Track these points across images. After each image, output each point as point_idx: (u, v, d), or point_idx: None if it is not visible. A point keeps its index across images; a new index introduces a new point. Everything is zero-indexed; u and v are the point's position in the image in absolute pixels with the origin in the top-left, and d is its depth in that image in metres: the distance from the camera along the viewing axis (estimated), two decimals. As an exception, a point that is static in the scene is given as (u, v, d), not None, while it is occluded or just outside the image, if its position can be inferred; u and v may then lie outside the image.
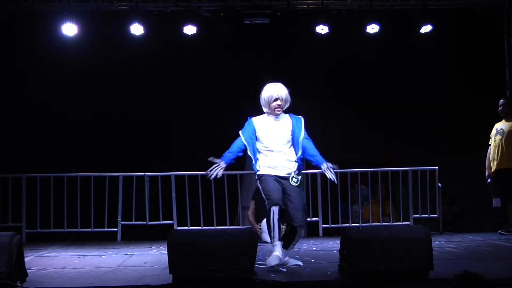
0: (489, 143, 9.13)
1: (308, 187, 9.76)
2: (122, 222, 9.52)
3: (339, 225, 9.79)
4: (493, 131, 8.99)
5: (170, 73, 10.75)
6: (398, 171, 9.85)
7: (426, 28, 10.36)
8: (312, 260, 6.55)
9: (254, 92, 11.98)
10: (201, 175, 9.54)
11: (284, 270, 5.88)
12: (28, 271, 5.43)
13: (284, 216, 5.99)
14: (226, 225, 9.53)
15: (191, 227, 9.40)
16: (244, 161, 11.01)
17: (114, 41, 10.53)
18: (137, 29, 10.21)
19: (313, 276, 5.44)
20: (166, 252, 5.29)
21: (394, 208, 10.33)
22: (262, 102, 6.12)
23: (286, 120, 6.13)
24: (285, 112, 6.22)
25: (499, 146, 8.87)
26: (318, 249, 7.72)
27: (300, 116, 6.21)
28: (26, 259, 5.59)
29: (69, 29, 10.08)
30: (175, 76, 10.76)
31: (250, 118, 6.22)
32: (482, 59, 10.92)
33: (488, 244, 7.90)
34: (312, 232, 9.98)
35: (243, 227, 9.29)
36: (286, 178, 5.98)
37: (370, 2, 10.37)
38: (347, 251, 5.22)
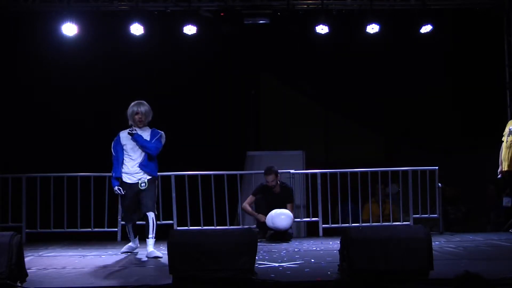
0: (502, 139, 9.00)
1: (308, 187, 9.77)
2: (122, 222, 9.50)
3: (339, 225, 9.78)
4: (506, 130, 8.86)
5: (170, 73, 10.75)
6: (398, 171, 9.85)
7: (426, 28, 10.36)
8: (312, 260, 6.54)
9: (254, 92, 12.13)
10: (201, 175, 9.58)
11: (283, 269, 5.89)
12: (28, 271, 5.42)
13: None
14: (226, 225, 9.53)
15: (191, 227, 9.40)
16: (244, 161, 11.11)
17: (114, 41, 10.54)
18: (137, 29, 10.21)
19: (313, 276, 5.43)
20: (166, 252, 5.29)
21: (396, 209, 10.32)
22: (128, 116, 7.31)
23: (146, 133, 7.30)
24: (151, 127, 7.36)
25: (510, 148, 8.80)
26: (318, 249, 7.72)
27: (160, 132, 7.35)
28: (26, 259, 5.58)
29: (69, 29, 10.08)
30: (175, 76, 10.76)
31: (119, 133, 7.36)
32: (482, 59, 10.92)
33: (488, 244, 7.90)
34: (312, 232, 9.99)
35: (243, 227, 9.28)
36: (136, 184, 7.21)
37: (370, 2, 10.37)
38: (347, 251, 5.22)
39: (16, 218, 9.40)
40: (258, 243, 5.49)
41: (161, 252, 7.28)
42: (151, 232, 7.20)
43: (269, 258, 6.71)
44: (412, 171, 9.73)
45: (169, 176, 9.58)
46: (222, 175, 9.62)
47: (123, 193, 7.24)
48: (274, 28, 10.64)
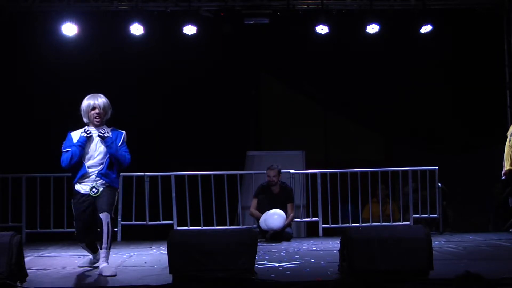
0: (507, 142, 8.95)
1: (308, 187, 9.77)
2: (122, 222, 9.52)
3: (339, 225, 9.78)
4: (510, 130, 8.81)
5: (170, 73, 10.75)
6: (398, 171, 9.85)
7: (426, 28, 10.36)
8: (312, 260, 6.55)
9: (254, 92, 12.12)
10: (201, 175, 9.58)
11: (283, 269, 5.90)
12: (28, 271, 5.42)
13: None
14: (226, 225, 9.53)
15: (191, 227, 9.40)
16: (244, 161, 11.11)
17: (114, 41, 10.53)
18: (137, 29, 10.22)
19: (313, 276, 5.44)
20: (166, 252, 5.29)
21: (397, 209, 10.32)
22: (82, 112, 6.01)
23: (107, 134, 5.99)
24: (109, 126, 6.12)
25: None
26: (318, 249, 7.72)
27: (122, 131, 6.10)
28: (26, 259, 5.59)
29: (69, 29, 10.08)
30: (175, 76, 10.76)
31: (69, 133, 6.06)
32: (482, 59, 10.92)
33: (488, 244, 7.90)
34: (312, 232, 9.99)
35: (243, 227, 9.29)
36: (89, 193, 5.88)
37: (370, 2, 10.37)
38: (347, 251, 5.22)
39: (16, 218, 9.40)
40: (258, 243, 5.49)
41: (160, 252, 7.28)
42: (105, 241, 5.77)
43: (269, 258, 6.72)
44: (412, 171, 9.74)
45: (169, 176, 9.59)
46: (222, 175, 9.63)
47: (90, 133, 5.87)
48: (274, 28, 10.64)
